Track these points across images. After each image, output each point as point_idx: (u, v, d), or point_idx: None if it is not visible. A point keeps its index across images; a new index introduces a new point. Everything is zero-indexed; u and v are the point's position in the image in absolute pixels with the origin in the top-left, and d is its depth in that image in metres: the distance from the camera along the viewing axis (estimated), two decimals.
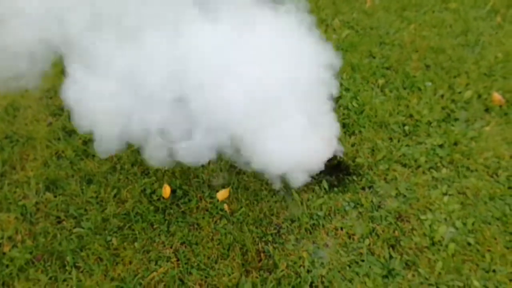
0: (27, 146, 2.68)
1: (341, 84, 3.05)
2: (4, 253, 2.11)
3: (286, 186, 2.31)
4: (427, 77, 3.05)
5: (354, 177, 2.36)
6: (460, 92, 2.88)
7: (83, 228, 2.20)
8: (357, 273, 1.92)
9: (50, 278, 2.00)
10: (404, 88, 2.97)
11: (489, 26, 3.63)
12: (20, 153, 2.63)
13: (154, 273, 1.98)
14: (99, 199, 2.34)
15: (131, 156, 2.56)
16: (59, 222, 2.25)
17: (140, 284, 1.94)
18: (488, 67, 3.10)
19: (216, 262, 2.01)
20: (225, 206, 2.25)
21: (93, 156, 2.59)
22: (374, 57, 3.33)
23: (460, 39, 3.48)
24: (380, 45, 3.49)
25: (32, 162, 2.57)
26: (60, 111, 2.93)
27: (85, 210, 2.29)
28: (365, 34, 3.66)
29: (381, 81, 3.04)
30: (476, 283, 1.83)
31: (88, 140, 2.69)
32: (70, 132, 2.75)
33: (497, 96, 2.79)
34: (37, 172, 2.50)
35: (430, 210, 2.15)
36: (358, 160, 2.45)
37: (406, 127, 2.63)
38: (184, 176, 2.42)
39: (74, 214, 2.27)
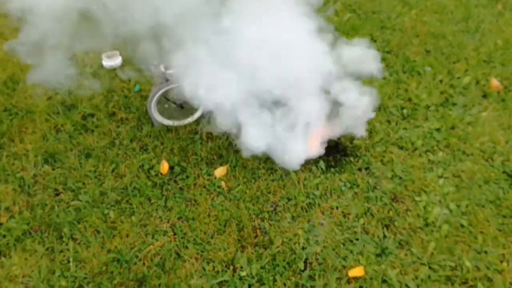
0: (26, 119, 2.68)
1: None
2: (1, 224, 2.12)
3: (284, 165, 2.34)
4: (427, 62, 3.06)
5: (351, 158, 2.38)
6: (459, 78, 2.90)
7: (80, 201, 2.21)
8: (351, 251, 1.94)
9: (47, 249, 2.01)
10: (404, 72, 2.98)
11: (490, 14, 3.62)
12: (19, 126, 2.63)
13: (151, 246, 2.00)
14: (97, 173, 2.35)
15: (130, 132, 2.56)
16: (57, 195, 2.27)
17: (137, 256, 1.96)
18: (487, 53, 3.11)
19: (212, 237, 2.03)
20: (223, 184, 2.27)
21: (92, 130, 2.59)
22: (375, 41, 3.33)
23: (460, 25, 3.48)
24: (382, 29, 3.48)
25: (31, 135, 2.58)
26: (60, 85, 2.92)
27: (83, 183, 2.30)
28: (367, 18, 3.65)
29: (381, 65, 3.04)
30: (467, 263, 1.86)
31: (87, 115, 2.70)
32: (70, 106, 2.76)
33: (495, 82, 2.81)
34: (35, 145, 2.50)
35: (425, 192, 2.18)
36: (355, 141, 2.46)
37: (405, 111, 2.65)
38: (182, 153, 2.43)
39: (72, 187, 2.28)
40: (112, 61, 3.14)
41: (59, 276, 1.90)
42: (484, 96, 2.75)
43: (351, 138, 2.48)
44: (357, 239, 1.99)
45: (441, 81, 2.89)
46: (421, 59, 3.09)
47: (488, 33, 3.36)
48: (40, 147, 2.49)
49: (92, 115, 2.71)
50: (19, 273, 1.92)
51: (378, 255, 1.93)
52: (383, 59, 3.11)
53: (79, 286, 1.86)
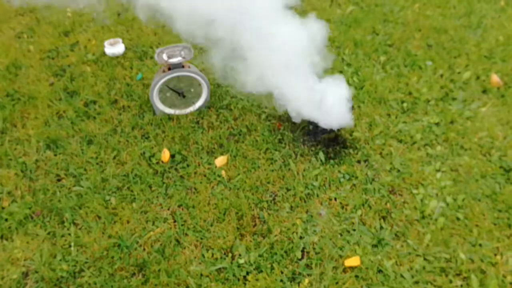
0: (28, 104, 2.70)
1: (342, 60, 3.08)
2: (3, 208, 2.15)
3: (284, 155, 2.36)
4: (428, 56, 3.07)
5: (351, 150, 2.40)
6: (459, 73, 2.91)
7: (82, 187, 2.24)
8: (348, 241, 1.97)
9: (49, 233, 2.04)
10: (405, 66, 3.00)
11: (492, 9, 3.63)
12: (21, 111, 2.65)
13: (151, 233, 2.03)
14: (99, 160, 2.38)
15: (132, 120, 2.58)
16: (58, 180, 2.29)
17: (137, 242, 1.99)
18: (488, 49, 3.12)
19: (212, 225, 2.06)
20: (223, 173, 2.29)
21: (94, 117, 2.61)
22: (377, 34, 3.34)
23: (463, 20, 3.49)
24: (384, 22, 3.49)
25: (33, 121, 2.60)
26: (62, 72, 2.94)
27: (85, 169, 2.33)
28: (370, 10, 3.65)
29: (382, 58, 3.06)
30: (462, 255, 1.89)
31: (89, 102, 2.71)
32: (72, 93, 2.77)
33: (495, 78, 2.82)
34: (37, 131, 2.53)
35: (423, 185, 2.20)
36: (355, 134, 2.48)
37: (405, 104, 2.67)
38: (183, 142, 2.45)
39: (74, 173, 2.31)
40: (114, 48, 3.16)
41: (60, 260, 1.93)
42: (484, 91, 2.77)
43: (351, 131, 2.50)
44: (354, 230, 2.02)
45: (441, 75, 2.90)
46: (422, 53, 3.10)
47: (490, 28, 3.37)
48: (42, 133, 2.51)
49: (94, 102, 2.73)
50: (21, 256, 1.95)
51: (374, 246, 1.96)
52: (385, 52, 3.13)
53: (80, 270, 1.89)
